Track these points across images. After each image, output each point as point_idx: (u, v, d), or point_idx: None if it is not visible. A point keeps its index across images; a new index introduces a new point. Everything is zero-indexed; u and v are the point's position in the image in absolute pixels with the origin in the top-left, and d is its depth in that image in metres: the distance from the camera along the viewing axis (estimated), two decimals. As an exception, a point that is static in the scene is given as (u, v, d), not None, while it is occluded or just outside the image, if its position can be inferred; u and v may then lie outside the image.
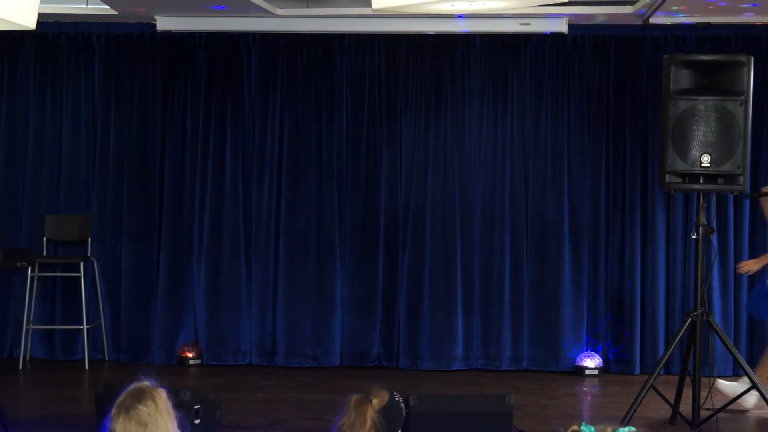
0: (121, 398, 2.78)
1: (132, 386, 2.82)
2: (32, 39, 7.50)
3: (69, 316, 7.49)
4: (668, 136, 5.41)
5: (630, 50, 7.31)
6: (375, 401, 3.31)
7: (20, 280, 7.42)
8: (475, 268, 7.33)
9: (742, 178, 5.39)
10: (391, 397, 3.44)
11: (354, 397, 3.31)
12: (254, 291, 7.49)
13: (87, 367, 7.24)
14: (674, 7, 6.50)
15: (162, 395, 2.81)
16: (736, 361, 6.05)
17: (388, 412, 3.37)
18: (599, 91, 7.37)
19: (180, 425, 2.84)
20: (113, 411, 2.75)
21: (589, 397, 6.72)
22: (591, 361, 7.22)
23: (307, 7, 7.16)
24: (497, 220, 7.35)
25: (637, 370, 7.20)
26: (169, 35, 7.45)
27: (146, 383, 2.82)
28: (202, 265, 7.47)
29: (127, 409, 2.74)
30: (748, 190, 6.97)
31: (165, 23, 7.25)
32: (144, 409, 2.74)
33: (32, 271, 7.30)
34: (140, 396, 2.77)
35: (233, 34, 7.43)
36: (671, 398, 5.68)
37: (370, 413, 3.25)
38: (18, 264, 7.05)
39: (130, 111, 7.55)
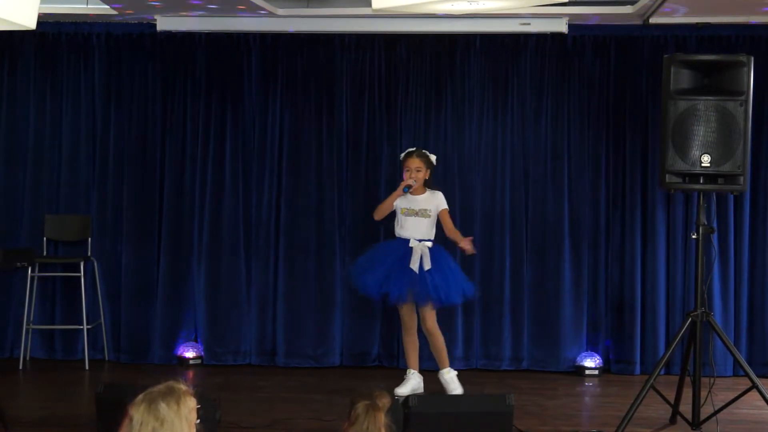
0: (151, 390, 2.83)
1: (167, 383, 2.85)
2: (32, 39, 7.50)
3: (69, 316, 7.50)
4: (668, 136, 5.41)
5: (630, 50, 7.31)
6: (381, 405, 3.28)
7: (20, 280, 7.43)
8: (475, 267, 7.32)
9: (742, 178, 5.39)
10: (392, 398, 3.42)
11: (361, 404, 3.25)
12: (254, 291, 7.49)
13: (87, 367, 7.24)
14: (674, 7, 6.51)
15: (189, 403, 2.84)
16: (736, 361, 6.05)
17: (394, 414, 3.35)
18: (599, 91, 7.37)
19: None
20: (139, 397, 2.81)
21: (589, 397, 6.72)
22: (591, 361, 7.22)
23: (307, 7, 7.17)
24: (497, 220, 7.35)
25: (637, 370, 7.20)
26: (169, 35, 7.45)
27: (182, 386, 2.84)
28: (202, 265, 7.47)
29: (151, 401, 2.79)
30: (748, 190, 7.01)
31: (165, 23, 7.25)
32: (165, 408, 2.78)
33: (32, 271, 7.30)
34: (168, 394, 2.81)
35: (233, 34, 7.43)
36: (671, 398, 5.68)
37: (382, 419, 3.21)
38: (18, 264, 7.04)
39: (130, 111, 7.55)
